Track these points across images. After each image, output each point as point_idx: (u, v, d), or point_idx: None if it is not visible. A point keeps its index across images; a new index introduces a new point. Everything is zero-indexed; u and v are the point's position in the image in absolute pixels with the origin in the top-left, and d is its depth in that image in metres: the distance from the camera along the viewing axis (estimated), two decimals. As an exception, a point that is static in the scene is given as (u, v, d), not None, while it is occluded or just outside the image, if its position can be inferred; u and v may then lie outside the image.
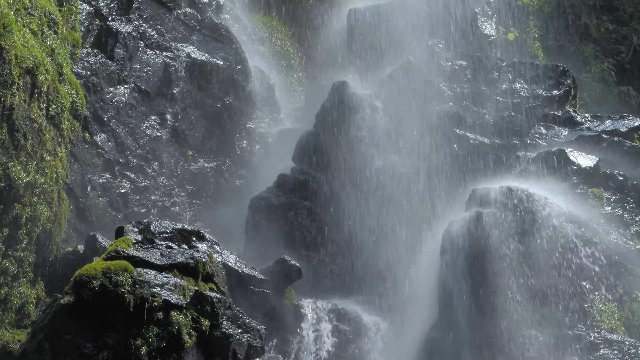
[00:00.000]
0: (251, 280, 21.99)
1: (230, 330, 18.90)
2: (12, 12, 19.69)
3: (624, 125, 26.77)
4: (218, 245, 21.81)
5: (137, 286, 18.23)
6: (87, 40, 25.80)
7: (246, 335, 19.07)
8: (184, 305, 18.51)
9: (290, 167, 27.46)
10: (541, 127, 27.14)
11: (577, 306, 21.83)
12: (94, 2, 26.35)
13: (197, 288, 19.21)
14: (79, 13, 24.54)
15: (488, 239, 22.41)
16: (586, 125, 27.03)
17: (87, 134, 24.81)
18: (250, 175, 28.71)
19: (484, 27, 30.81)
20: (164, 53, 27.67)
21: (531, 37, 32.86)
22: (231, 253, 22.32)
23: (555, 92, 28.16)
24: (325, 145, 27.25)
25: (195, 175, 27.66)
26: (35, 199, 20.37)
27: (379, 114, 27.58)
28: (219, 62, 28.88)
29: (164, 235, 20.73)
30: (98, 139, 25.39)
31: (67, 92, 21.95)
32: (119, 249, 19.28)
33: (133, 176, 26.06)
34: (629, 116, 27.48)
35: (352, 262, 25.53)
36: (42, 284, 20.97)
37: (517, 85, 28.31)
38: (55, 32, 21.85)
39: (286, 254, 23.64)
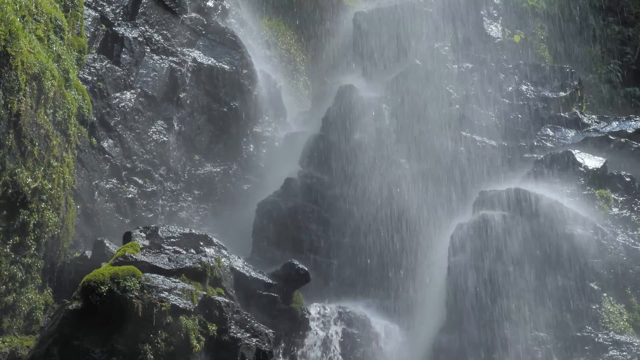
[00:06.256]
0: (259, 285, 21.99)
1: (239, 334, 18.91)
2: (18, 19, 19.72)
3: (631, 126, 26.76)
4: (225, 249, 21.83)
5: (145, 291, 18.26)
6: (93, 45, 25.82)
7: (254, 340, 19.08)
8: (192, 309, 18.54)
9: (297, 171, 27.48)
10: (548, 129, 27.14)
11: (585, 308, 21.82)
12: (99, 8, 26.37)
13: (205, 292, 19.23)
14: (85, 19, 24.55)
15: (496, 241, 22.42)
16: (593, 127, 27.02)
17: (93, 140, 24.84)
18: (258, 179, 28.69)
19: (489, 29, 30.81)
20: (170, 58, 27.69)
21: (537, 39, 32.86)
22: (239, 257, 22.33)
23: (562, 93, 28.14)
24: (332, 149, 27.26)
25: (203, 179, 27.67)
26: (43, 205, 20.38)
27: (385, 117, 27.58)
28: (225, 66, 28.89)
29: (172, 240, 20.78)
30: (105, 144, 25.41)
31: (74, 97, 21.98)
32: (126, 254, 19.32)
33: (140, 181, 26.08)
34: (635, 117, 27.47)
35: (360, 266, 25.53)
36: (50, 289, 20.98)
37: (524, 87, 28.29)
38: (62, 38, 21.88)
39: (294, 257, 23.64)
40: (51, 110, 20.84)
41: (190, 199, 27.26)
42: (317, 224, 26.37)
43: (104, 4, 26.63)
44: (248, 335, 19.07)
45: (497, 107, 27.77)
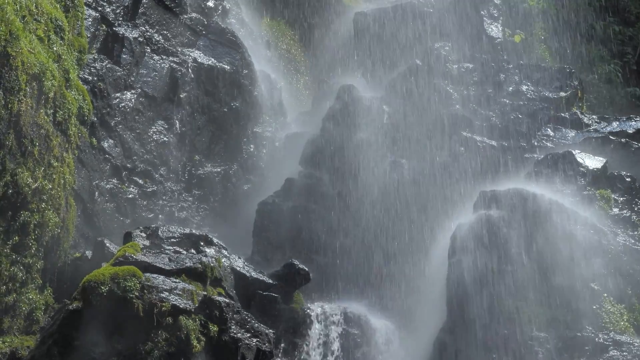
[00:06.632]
0: (259, 285, 22.00)
1: (239, 334, 18.92)
2: (18, 19, 19.73)
3: (631, 126, 26.75)
4: (226, 249, 21.84)
5: (145, 291, 18.27)
6: (94, 45, 25.82)
7: (255, 340, 19.08)
8: (193, 310, 18.54)
9: (297, 171, 27.47)
10: (548, 129, 27.13)
11: (585, 308, 21.81)
12: (100, 8, 26.38)
13: (205, 293, 19.24)
14: (85, 19, 24.54)
15: (496, 241, 22.41)
16: (593, 127, 27.02)
17: (94, 140, 24.83)
18: (258, 179, 28.68)
19: (490, 29, 30.83)
20: (171, 58, 27.69)
21: (537, 39, 32.86)
22: (239, 257, 22.34)
23: (562, 93, 28.13)
24: (332, 149, 27.25)
25: (203, 180, 27.66)
26: (43, 205, 20.39)
27: (386, 117, 27.58)
28: (226, 66, 28.89)
29: (172, 240, 20.80)
30: (105, 144, 25.41)
31: (74, 97, 21.98)
32: (127, 254, 19.33)
33: (140, 181, 26.08)
34: (635, 117, 27.46)
35: (360, 266, 25.53)
36: (50, 290, 20.98)
37: (524, 88, 28.29)
38: (62, 38, 21.89)
39: (294, 257, 23.66)
40: (51, 111, 20.85)
41: (190, 199, 27.26)
42: (318, 224, 26.36)
43: (105, 4, 26.64)
44: (248, 335, 19.07)
45: (497, 107, 27.76)
